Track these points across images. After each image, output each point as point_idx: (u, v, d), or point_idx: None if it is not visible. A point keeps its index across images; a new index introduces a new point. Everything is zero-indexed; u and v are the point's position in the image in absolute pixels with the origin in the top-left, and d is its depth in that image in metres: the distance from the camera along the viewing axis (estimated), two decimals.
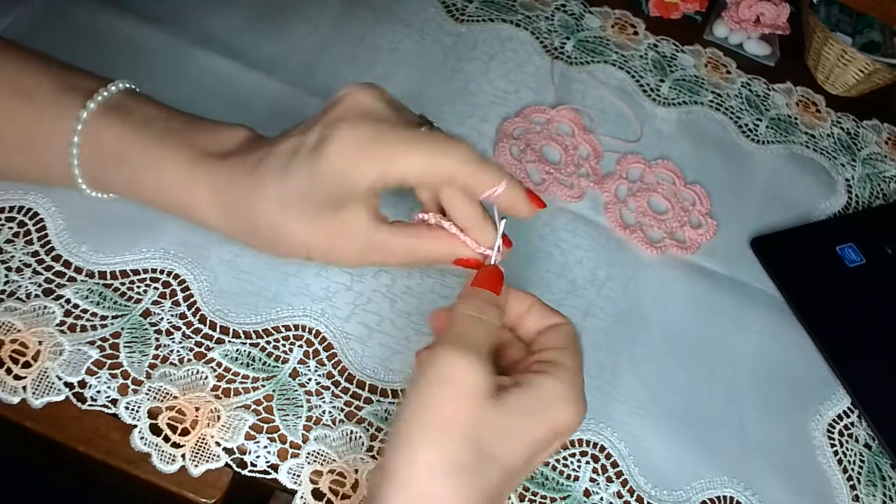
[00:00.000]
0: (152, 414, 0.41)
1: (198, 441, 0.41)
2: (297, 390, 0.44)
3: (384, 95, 0.37)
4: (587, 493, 0.45)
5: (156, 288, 0.45)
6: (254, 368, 0.44)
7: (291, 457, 0.42)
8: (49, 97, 0.38)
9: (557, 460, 0.46)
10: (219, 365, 0.44)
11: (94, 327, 0.43)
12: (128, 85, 0.40)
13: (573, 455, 0.46)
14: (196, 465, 0.41)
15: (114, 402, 0.41)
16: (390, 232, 0.38)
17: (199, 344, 0.44)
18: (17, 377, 0.41)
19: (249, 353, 0.44)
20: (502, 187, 0.37)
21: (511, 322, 0.39)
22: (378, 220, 0.38)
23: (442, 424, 0.32)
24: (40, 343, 0.42)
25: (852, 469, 0.50)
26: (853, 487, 0.49)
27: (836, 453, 0.50)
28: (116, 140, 0.38)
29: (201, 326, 0.45)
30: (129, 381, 0.42)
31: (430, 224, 0.39)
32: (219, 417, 0.42)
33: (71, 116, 0.37)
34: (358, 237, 0.37)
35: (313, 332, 0.46)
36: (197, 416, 0.42)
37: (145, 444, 0.40)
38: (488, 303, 0.37)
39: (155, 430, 0.41)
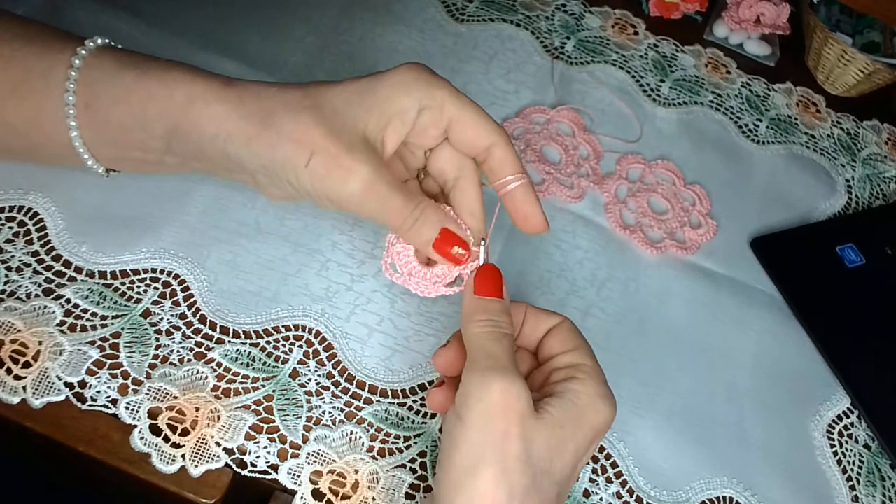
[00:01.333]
0: (152, 414, 0.41)
1: (198, 441, 0.41)
2: (297, 390, 0.44)
3: None
4: (586, 494, 0.45)
5: (156, 288, 0.45)
6: (254, 368, 0.44)
7: (291, 457, 0.42)
8: (49, 39, 0.37)
9: None
10: (219, 365, 0.44)
11: (94, 327, 0.43)
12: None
13: None
14: (196, 466, 0.41)
15: (114, 402, 0.41)
16: (398, 180, 0.37)
17: (199, 344, 0.44)
18: (17, 377, 0.41)
19: (249, 353, 0.44)
20: (525, 179, 0.38)
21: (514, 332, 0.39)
22: (390, 167, 0.37)
23: (499, 455, 0.32)
24: (40, 343, 0.42)
25: (852, 469, 0.50)
26: (852, 488, 0.49)
27: (835, 454, 0.51)
28: (120, 58, 0.37)
29: (201, 326, 0.45)
30: (129, 381, 0.42)
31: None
32: (219, 417, 0.42)
33: (73, 47, 0.37)
34: (371, 161, 0.35)
35: (313, 332, 0.46)
36: (197, 417, 0.42)
37: (145, 444, 0.40)
38: (498, 312, 0.36)
39: (155, 430, 0.41)
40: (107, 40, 0.38)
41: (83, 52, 0.36)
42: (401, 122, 0.36)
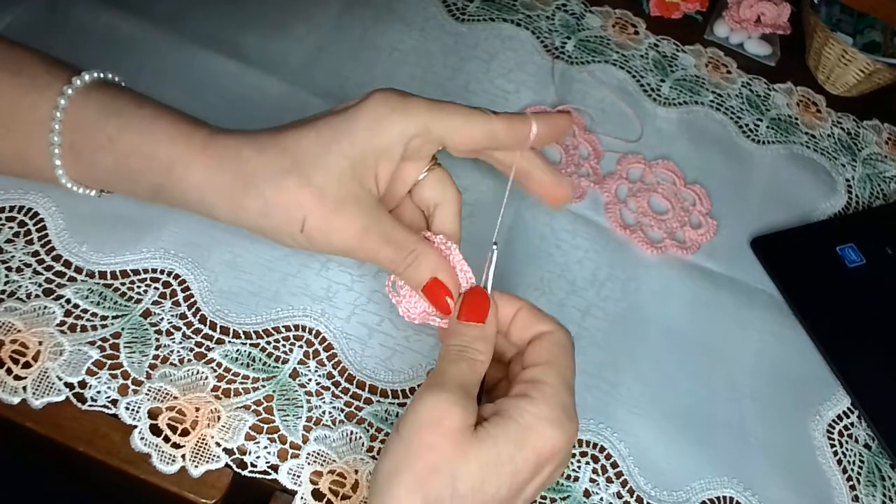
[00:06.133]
0: (152, 414, 0.41)
1: (198, 441, 0.41)
2: (297, 391, 0.44)
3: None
4: (587, 494, 0.45)
5: (156, 288, 0.45)
6: (254, 369, 0.44)
7: (291, 457, 0.42)
8: (38, 71, 0.37)
9: None
10: (219, 365, 0.44)
11: (94, 327, 0.43)
12: (118, 80, 0.39)
13: (573, 455, 0.46)
14: (196, 466, 0.41)
15: (114, 402, 0.41)
16: (393, 222, 0.37)
17: (199, 344, 0.44)
18: (17, 377, 0.41)
19: (249, 353, 0.44)
20: (535, 127, 0.38)
21: (500, 328, 0.38)
22: (384, 207, 0.37)
23: (419, 464, 0.32)
24: (40, 343, 0.42)
25: (852, 469, 0.50)
26: (853, 488, 0.49)
27: (835, 453, 0.51)
28: (105, 101, 0.36)
29: (201, 327, 0.45)
30: (129, 382, 0.42)
31: (430, 239, 0.39)
32: (219, 418, 0.42)
33: (60, 84, 0.36)
34: (362, 214, 0.36)
35: (313, 332, 0.46)
36: (197, 417, 0.42)
37: (145, 444, 0.40)
38: (472, 338, 0.36)
39: (155, 430, 0.41)
40: (96, 74, 0.37)
41: (69, 90, 0.36)
42: (387, 159, 0.36)
